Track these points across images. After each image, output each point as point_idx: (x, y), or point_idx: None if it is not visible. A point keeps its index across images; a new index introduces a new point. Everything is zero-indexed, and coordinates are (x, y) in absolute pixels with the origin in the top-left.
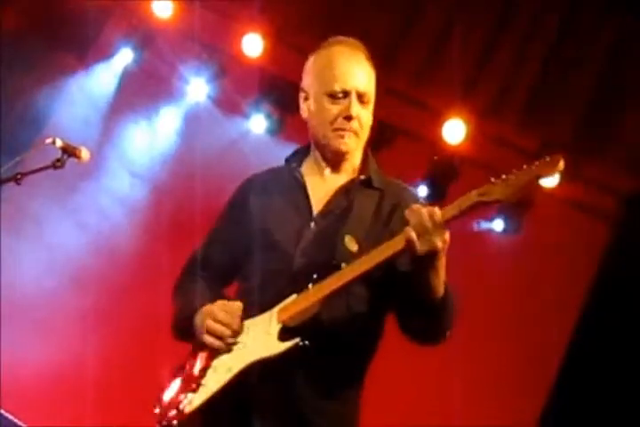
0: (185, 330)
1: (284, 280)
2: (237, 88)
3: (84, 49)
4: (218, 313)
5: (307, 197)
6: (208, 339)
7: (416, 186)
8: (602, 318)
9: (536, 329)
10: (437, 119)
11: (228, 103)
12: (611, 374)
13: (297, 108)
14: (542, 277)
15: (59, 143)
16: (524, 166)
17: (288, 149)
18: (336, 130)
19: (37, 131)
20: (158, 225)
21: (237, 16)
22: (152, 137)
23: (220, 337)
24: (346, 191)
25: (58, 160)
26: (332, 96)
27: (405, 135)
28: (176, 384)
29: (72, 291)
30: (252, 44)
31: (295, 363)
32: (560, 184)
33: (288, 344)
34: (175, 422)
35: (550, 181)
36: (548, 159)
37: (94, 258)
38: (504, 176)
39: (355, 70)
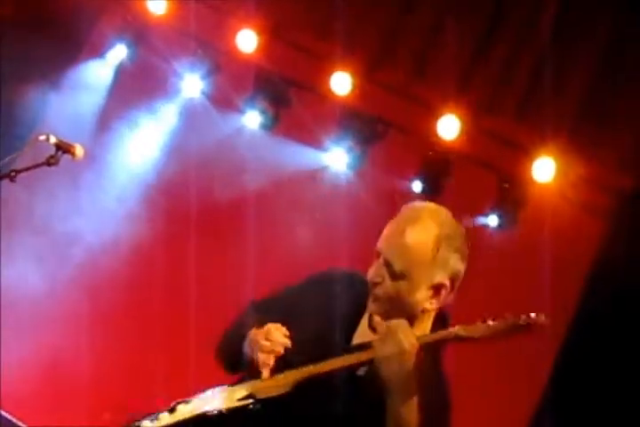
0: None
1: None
2: (232, 84)
3: (78, 45)
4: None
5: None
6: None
7: (410, 181)
8: (596, 316)
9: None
10: (432, 115)
11: (223, 99)
12: (605, 374)
13: (291, 103)
14: (537, 274)
15: (52, 140)
16: (512, 317)
17: (282, 144)
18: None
19: (31, 128)
20: (153, 221)
21: (232, 12)
22: (146, 133)
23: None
24: None
25: (52, 157)
26: (376, 253)
27: (400, 130)
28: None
29: (69, 288)
30: (247, 40)
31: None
32: (555, 180)
33: (242, 402)
34: None
35: (545, 176)
36: (533, 318)
37: (90, 255)
38: (490, 322)
39: (395, 239)
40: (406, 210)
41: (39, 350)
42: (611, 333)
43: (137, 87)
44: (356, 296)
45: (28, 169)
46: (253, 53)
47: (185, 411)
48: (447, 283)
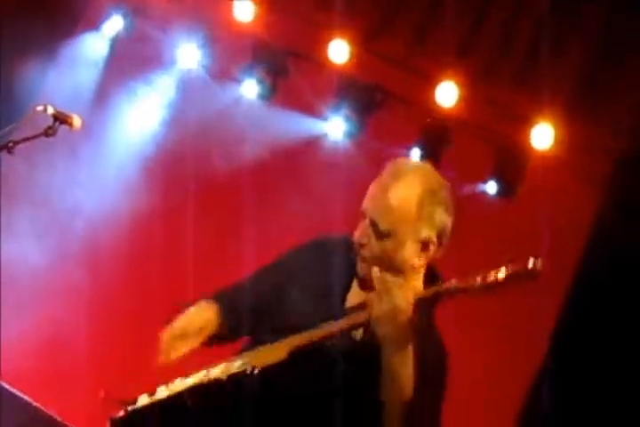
0: None
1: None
2: (229, 54)
3: (74, 18)
4: None
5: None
6: None
7: (409, 149)
8: (595, 280)
9: (526, 295)
10: (430, 83)
11: (220, 69)
12: (605, 336)
13: (289, 73)
14: (536, 239)
15: (50, 110)
16: (507, 266)
17: (280, 113)
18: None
19: (29, 102)
20: (152, 192)
21: None
22: (144, 104)
23: None
24: None
25: (50, 128)
26: (361, 213)
27: (398, 99)
28: None
29: (68, 261)
30: (244, 10)
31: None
32: (553, 146)
33: (237, 365)
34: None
35: (543, 143)
36: (530, 264)
37: (90, 228)
38: (486, 274)
39: (379, 198)
40: (389, 168)
41: (39, 323)
42: (610, 296)
43: (134, 58)
44: (348, 259)
45: (26, 140)
46: (250, 23)
47: (182, 384)
48: (434, 237)
